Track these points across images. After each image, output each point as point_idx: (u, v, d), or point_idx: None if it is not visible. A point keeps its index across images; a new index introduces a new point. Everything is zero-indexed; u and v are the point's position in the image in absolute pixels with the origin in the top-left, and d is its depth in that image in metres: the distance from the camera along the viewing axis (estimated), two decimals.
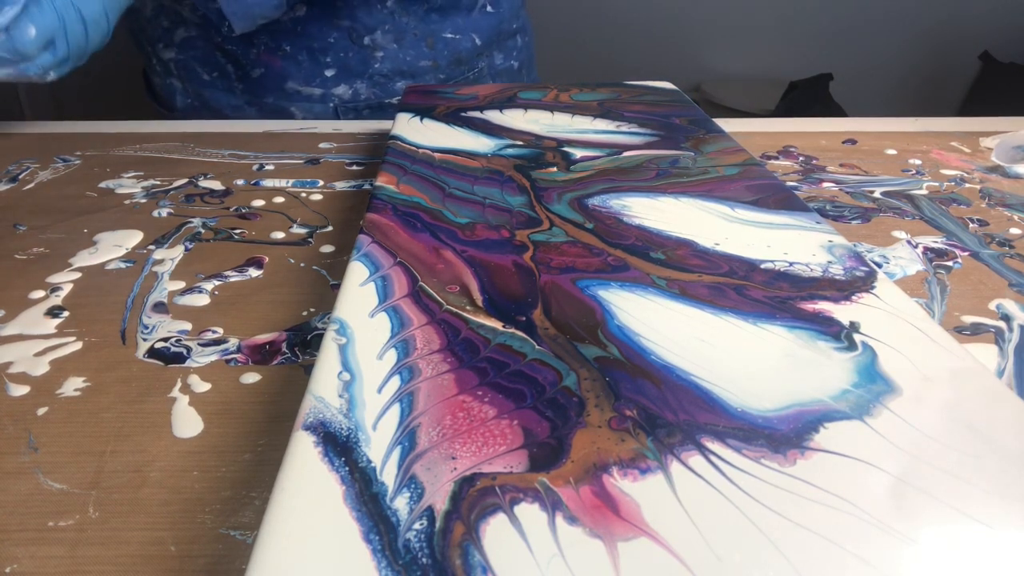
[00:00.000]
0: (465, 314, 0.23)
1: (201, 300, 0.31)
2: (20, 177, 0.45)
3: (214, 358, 0.27)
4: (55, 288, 0.32)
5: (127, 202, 0.41)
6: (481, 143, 0.39)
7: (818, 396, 0.20)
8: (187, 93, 0.65)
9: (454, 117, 0.44)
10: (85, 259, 0.35)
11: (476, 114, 0.44)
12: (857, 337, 0.22)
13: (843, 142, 0.52)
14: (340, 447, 0.18)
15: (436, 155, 0.37)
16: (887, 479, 0.17)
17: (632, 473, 0.17)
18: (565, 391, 0.20)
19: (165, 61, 0.64)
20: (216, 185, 0.44)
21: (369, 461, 0.17)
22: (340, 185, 0.44)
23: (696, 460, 0.17)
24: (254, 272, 0.34)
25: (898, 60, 1.85)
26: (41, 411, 0.25)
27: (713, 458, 0.17)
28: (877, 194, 0.42)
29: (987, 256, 0.35)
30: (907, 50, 1.84)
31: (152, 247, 0.36)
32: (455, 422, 0.19)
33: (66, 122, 0.57)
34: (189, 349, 0.28)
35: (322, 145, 0.51)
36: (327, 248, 0.36)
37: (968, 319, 0.30)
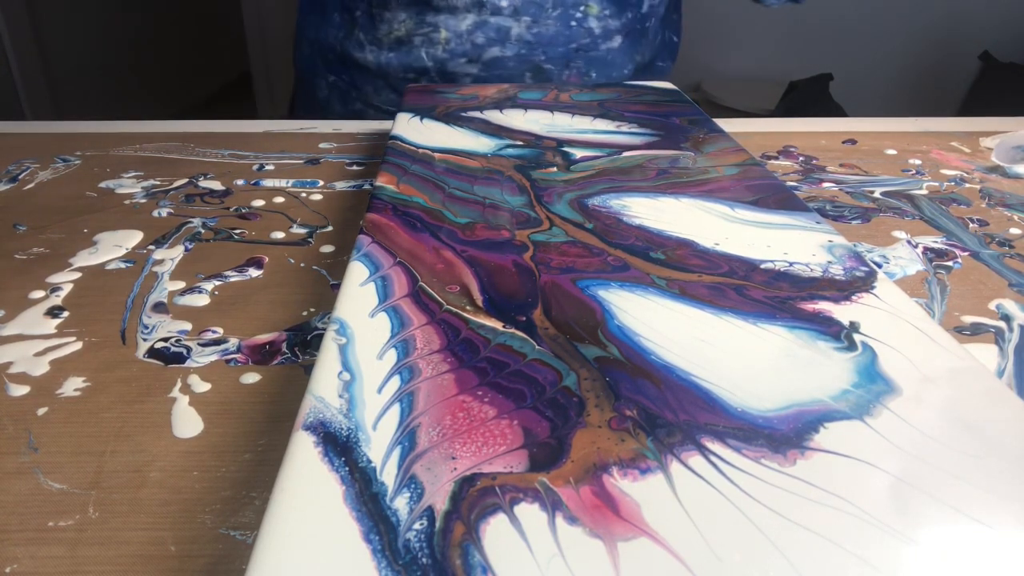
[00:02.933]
0: (465, 314, 0.23)
1: (201, 300, 0.31)
2: (20, 177, 0.45)
3: (214, 358, 0.27)
4: (55, 288, 0.32)
5: (127, 202, 0.41)
6: (481, 143, 0.39)
7: (818, 396, 0.20)
8: None
9: (454, 117, 0.44)
10: (85, 259, 0.35)
11: (476, 114, 0.44)
12: (857, 337, 0.22)
13: (843, 142, 0.52)
14: (340, 447, 0.18)
15: (436, 155, 0.37)
16: (887, 479, 0.17)
17: (632, 473, 0.17)
18: (565, 391, 0.20)
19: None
20: (216, 185, 0.44)
21: (369, 461, 0.17)
22: (340, 185, 0.44)
23: (696, 460, 0.17)
24: (254, 272, 0.34)
25: (898, 60, 1.85)
26: (41, 411, 0.25)
27: (713, 458, 0.17)
28: (877, 194, 0.42)
29: (987, 256, 0.35)
30: (907, 50, 1.84)
31: (152, 247, 0.36)
32: (455, 422, 0.19)
33: (66, 122, 0.57)
34: (189, 349, 0.28)
35: (322, 145, 0.51)
36: (327, 248, 0.36)
37: (968, 319, 0.30)
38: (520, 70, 0.66)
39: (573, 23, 0.64)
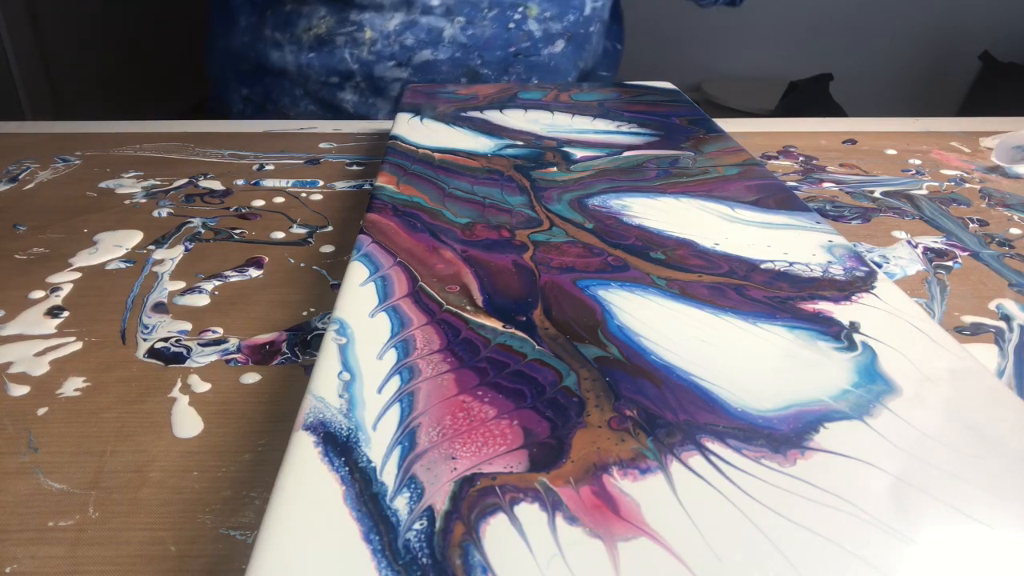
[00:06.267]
0: (465, 314, 0.23)
1: (201, 300, 0.31)
2: (20, 177, 0.45)
3: (214, 358, 0.27)
4: (55, 288, 0.32)
5: (127, 202, 0.41)
6: (481, 143, 0.39)
7: (818, 396, 0.20)
8: None
9: (454, 117, 0.44)
10: (85, 259, 0.35)
11: (476, 114, 0.44)
12: (857, 337, 0.22)
13: (843, 142, 0.52)
14: (340, 447, 0.18)
15: (436, 155, 0.37)
16: (887, 479, 0.17)
17: (632, 473, 0.17)
18: (565, 391, 0.20)
19: None
20: (216, 185, 0.44)
21: (369, 461, 0.17)
22: (340, 185, 0.44)
23: (696, 460, 0.17)
24: (254, 272, 0.34)
25: (898, 60, 1.85)
26: (41, 411, 0.25)
27: (713, 458, 0.17)
28: (877, 194, 0.42)
29: (987, 256, 0.35)
30: (907, 50, 1.84)
31: (152, 247, 0.36)
32: (455, 422, 0.19)
33: (66, 122, 0.57)
34: (189, 349, 0.28)
35: (322, 145, 0.51)
36: (327, 248, 0.36)
37: (968, 319, 0.30)
38: (455, 75, 0.62)
39: (511, 25, 0.61)
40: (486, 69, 0.62)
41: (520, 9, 0.61)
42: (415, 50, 0.60)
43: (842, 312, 0.24)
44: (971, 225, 0.39)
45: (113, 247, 0.36)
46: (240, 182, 0.44)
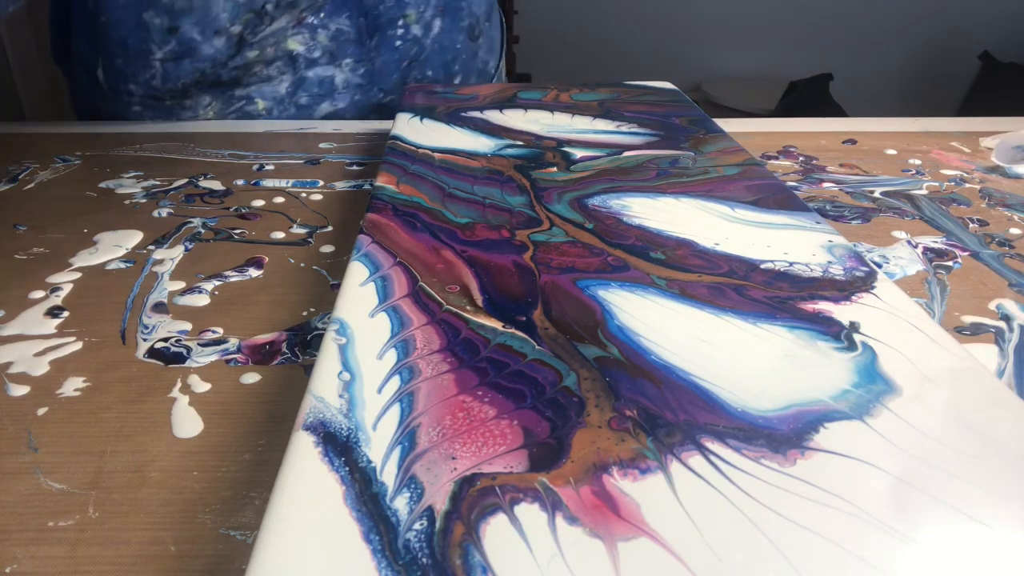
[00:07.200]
0: (465, 314, 0.23)
1: (201, 300, 0.31)
2: (20, 177, 0.45)
3: (214, 358, 0.27)
4: (55, 288, 0.32)
5: (127, 202, 0.41)
6: (481, 143, 0.39)
7: (818, 396, 0.20)
8: None
9: (454, 117, 0.44)
10: (85, 259, 0.35)
11: (476, 114, 0.44)
12: (857, 337, 0.22)
13: (843, 142, 0.52)
14: (340, 447, 0.18)
15: (436, 155, 0.37)
16: (887, 479, 0.17)
17: (632, 473, 0.17)
18: (565, 391, 0.20)
19: None
20: (216, 185, 0.44)
21: (369, 461, 0.17)
22: (340, 185, 0.44)
23: (696, 460, 0.17)
24: (254, 272, 0.34)
25: (898, 60, 1.86)
26: (41, 411, 0.25)
27: (713, 458, 0.17)
28: (877, 194, 0.42)
29: (987, 256, 0.35)
30: (907, 50, 1.84)
31: (152, 247, 0.36)
32: (455, 422, 0.19)
33: (66, 122, 0.57)
34: (189, 349, 0.28)
35: (322, 145, 0.51)
36: (327, 248, 0.36)
37: (968, 319, 0.30)
38: (361, 116, 0.59)
39: (398, 43, 0.58)
40: (390, 96, 0.60)
41: (400, 23, 0.57)
42: (312, 107, 0.58)
43: (842, 312, 0.24)
44: (971, 225, 0.39)
45: (113, 247, 0.36)
46: (240, 182, 0.44)
